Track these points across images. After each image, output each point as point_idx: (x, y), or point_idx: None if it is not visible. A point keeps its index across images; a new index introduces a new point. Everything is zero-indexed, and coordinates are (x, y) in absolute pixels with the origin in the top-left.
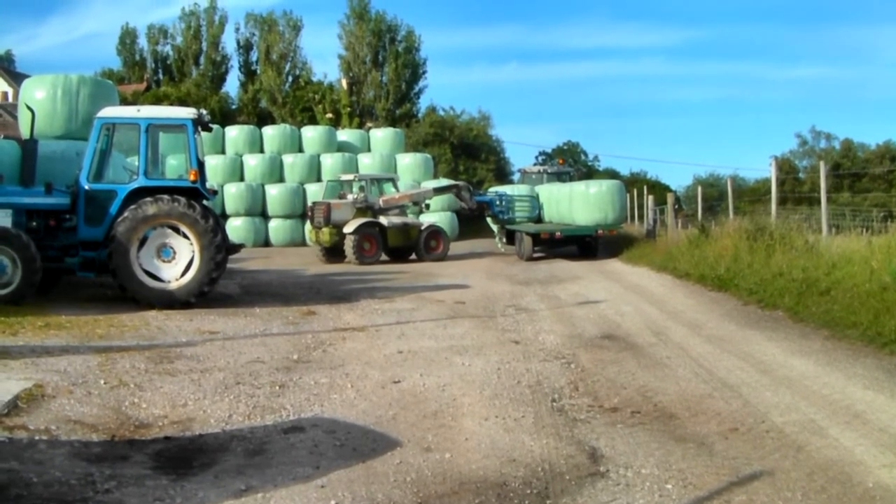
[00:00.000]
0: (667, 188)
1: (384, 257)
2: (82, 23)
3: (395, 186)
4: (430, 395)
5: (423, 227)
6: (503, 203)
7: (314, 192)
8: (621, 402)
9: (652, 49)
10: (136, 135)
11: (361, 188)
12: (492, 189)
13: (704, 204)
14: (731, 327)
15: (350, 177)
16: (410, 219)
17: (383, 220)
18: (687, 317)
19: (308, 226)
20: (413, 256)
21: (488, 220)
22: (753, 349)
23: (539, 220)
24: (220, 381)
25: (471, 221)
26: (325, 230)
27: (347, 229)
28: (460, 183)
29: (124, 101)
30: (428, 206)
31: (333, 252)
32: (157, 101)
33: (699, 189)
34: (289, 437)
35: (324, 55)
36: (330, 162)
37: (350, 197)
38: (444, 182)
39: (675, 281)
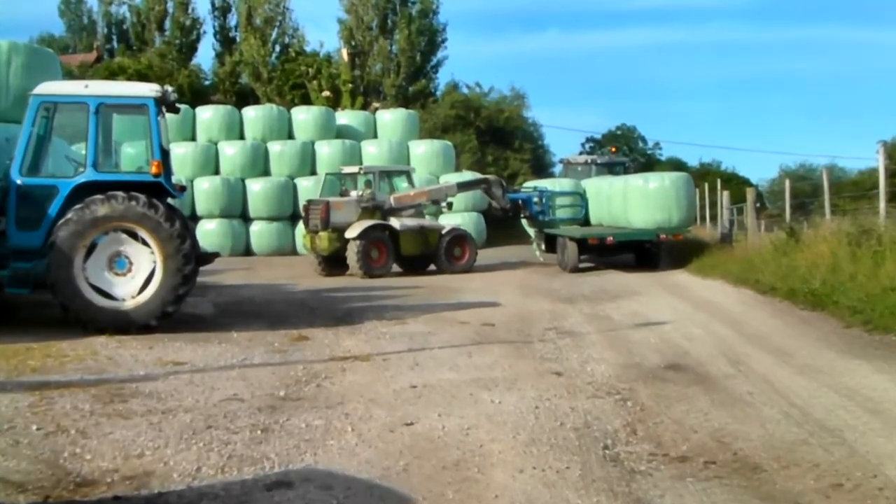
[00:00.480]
0: (746, 182)
1: (396, 268)
2: None
3: (410, 181)
4: (450, 440)
5: (444, 232)
6: (543, 201)
7: (307, 188)
8: (691, 449)
9: (726, 9)
10: (83, 117)
11: (368, 183)
12: (528, 184)
13: (794, 201)
14: (830, 355)
15: (354, 169)
16: (428, 221)
17: (395, 222)
18: (773, 342)
19: (301, 230)
20: (432, 267)
21: (523, 222)
22: (859, 383)
23: (586, 222)
24: (187, 425)
25: (501, 224)
26: (324, 235)
27: (351, 234)
28: (490, 177)
29: (69, 75)
30: (450, 206)
31: (333, 262)
32: (111, 75)
33: (787, 183)
34: (273, 494)
35: (319, 20)
36: (327, 151)
37: (354, 194)
38: (469, 176)
39: (757, 297)
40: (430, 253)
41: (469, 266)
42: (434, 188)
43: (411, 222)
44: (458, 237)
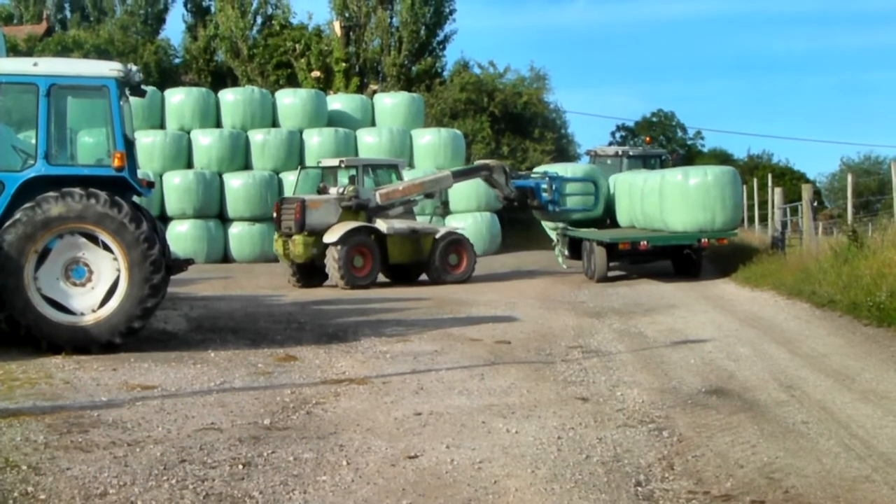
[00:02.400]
0: (801, 177)
1: (381, 278)
2: None
3: (399, 177)
4: (460, 475)
5: (438, 236)
6: (553, 188)
7: (294, 184)
8: (736, 486)
9: None
10: (32, 100)
11: (352, 178)
12: (538, 169)
13: (857, 199)
14: None
15: (334, 162)
16: (420, 223)
17: (381, 224)
18: (832, 363)
19: (274, 233)
20: (423, 277)
21: (543, 222)
22: None
23: (608, 220)
24: (157, 459)
25: (519, 227)
26: (298, 239)
27: (330, 238)
28: (491, 162)
29: (14, 51)
30: (446, 207)
31: (310, 270)
32: (64, 50)
33: (849, 178)
34: None
35: None
36: (317, 141)
37: (333, 191)
38: (470, 164)
39: (813, 311)
40: (422, 260)
41: (467, 276)
42: (427, 179)
43: (401, 225)
44: (455, 242)
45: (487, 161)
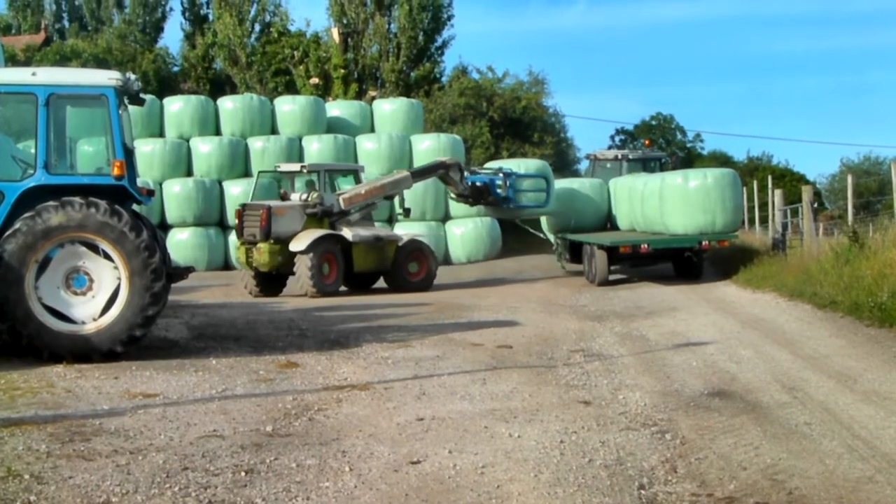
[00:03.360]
0: (801, 178)
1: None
2: None
3: (359, 181)
4: (463, 481)
5: (401, 243)
6: (508, 185)
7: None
8: (740, 489)
9: None
10: (31, 109)
11: (311, 184)
12: (490, 164)
13: (857, 200)
14: None
15: (295, 167)
16: (384, 230)
17: (347, 232)
18: (834, 364)
19: (234, 240)
20: (382, 283)
21: (543, 227)
22: None
23: (614, 226)
24: (160, 467)
25: (519, 231)
26: (263, 247)
27: (298, 246)
28: (447, 159)
29: (13, 60)
30: (407, 213)
31: (270, 280)
32: (63, 60)
33: (849, 179)
34: None
35: None
36: (316, 148)
37: (294, 197)
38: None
39: (815, 313)
40: (386, 268)
41: (427, 285)
42: (387, 181)
43: (366, 232)
44: (416, 250)
45: (444, 158)
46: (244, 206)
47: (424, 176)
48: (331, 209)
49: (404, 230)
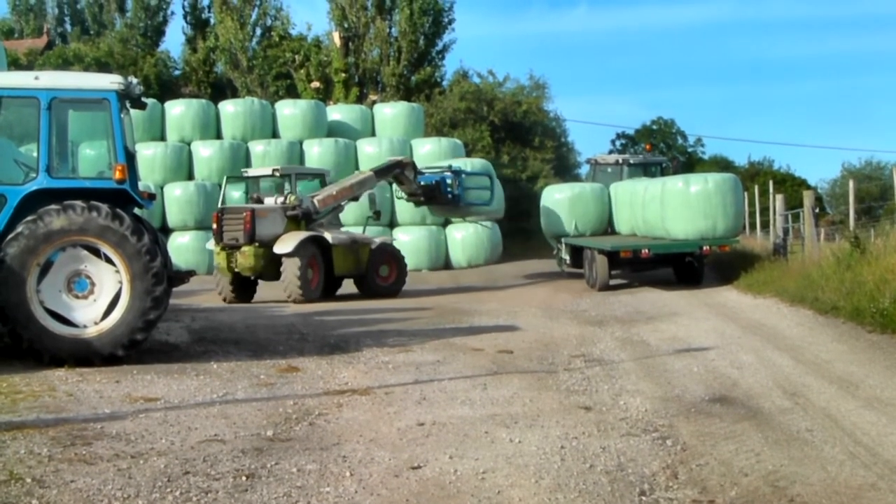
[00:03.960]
0: (802, 183)
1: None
2: None
3: (325, 185)
4: (463, 486)
5: (374, 246)
6: (458, 183)
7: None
8: (741, 495)
9: None
10: (33, 113)
11: (280, 188)
12: (439, 163)
13: (859, 205)
14: None
15: (266, 171)
16: (357, 233)
17: (327, 234)
18: (836, 370)
19: (212, 245)
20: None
21: (544, 233)
22: None
23: (608, 229)
24: (161, 471)
25: (519, 236)
26: (248, 251)
27: (283, 248)
28: (403, 158)
29: (15, 64)
30: (378, 215)
31: (245, 285)
32: (65, 64)
33: (851, 184)
34: None
35: None
36: (317, 152)
37: (269, 201)
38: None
39: (816, 318)
40: (360, 272)
41: (397, 290)
42: (354, 181)
43: (343, 235)
44: (388, 253)
45: (400, 157)
46: (223, 210)
47: (385, 174)
48: (310, 213)
49: (378, 235)
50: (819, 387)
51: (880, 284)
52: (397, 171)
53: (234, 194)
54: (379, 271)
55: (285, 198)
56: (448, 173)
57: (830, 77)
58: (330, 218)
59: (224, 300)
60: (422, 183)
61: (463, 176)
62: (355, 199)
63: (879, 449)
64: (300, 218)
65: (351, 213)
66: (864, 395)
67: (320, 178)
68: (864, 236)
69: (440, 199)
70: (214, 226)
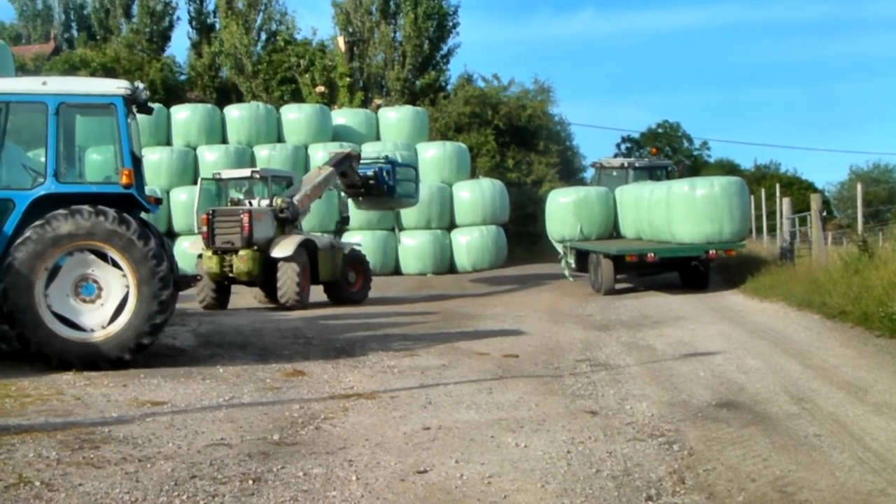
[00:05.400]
0: (809, 187)
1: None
2: None
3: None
4: (469, 490)
5: (346, 251)
6: (392, 175)
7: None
8: (749, 500)
9: None
10: (41, 118)
11: (250, 191)
12: (374, 153)
13: (867, 209)
14: None
15: (244, 173)
16: (336, 239)
17: (317, 238)
18: (844, 375)
19: (202, 248)
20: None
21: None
22: None
23: (614, 232)
24: (168, 475)
25: (525, 240)
26: (245, 254)
27: (281, 252)
28: (351, 150)
29: (22, 70)
30: (346, 221)
31: (222, 290)
32: (72, 69)
33: (858, 187)
34: None
35: (312, 3)
36: (322, 156)
37: (256, 203)
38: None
39: (824, 323)
40: (336, 278)
41: (363, 297)
42: (320, 179)
43: (325, 240)
44: (355, 260)
45: (348, 150)
46: (214, 212)
47: (340, 165)
48: (297, 216)
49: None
50: (827, 392)
51: (889, 289)
52: (347, 163)
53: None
54: (348, 277)
55: (271, 200)
56: (385, 164)
57: (837, 80)
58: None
59: (203, 306)
60: (361, 174)
61: (396, 167)
62: (319, 196)
63: (888, 454)
64: (290, 220)
65: (315, 219)
66: (872, 400)
67: (287, 180)
68: (872, 240)
69: (376, 190)
70: (204, 228)
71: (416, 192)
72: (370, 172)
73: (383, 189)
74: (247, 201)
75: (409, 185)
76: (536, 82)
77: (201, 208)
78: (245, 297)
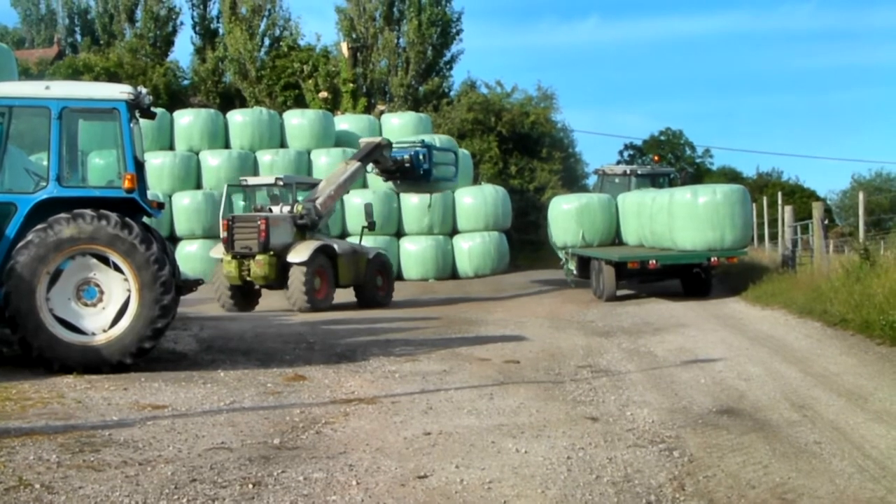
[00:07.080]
0: (812, 195)
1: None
2: None
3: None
4: (470, 495)
5: (370, 256)
6: (429, 158)
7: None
8: None
9: None
10: (44, 122)
11: (276, 198)
12: (412, 137)
13: (868, 217)
14: None
15: (268, 180)
16: (357, 244)
17: (334, 244)
18: (844, 382)
19: (220, 252)
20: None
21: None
22: None
23: (616, 239)
24: (168, 479)
25: (527, 246)
26: (262, 259)
27: (296, 258)
28: (380, 140)
29: (26, 74)
30: (372, 226)
31: (248, 294)
32: (75, 73)
33: (860, 195)
34: None
35: (316, 9)
36: (325, 161)
37: (278, 210)
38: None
39: (825, 330)
40: (359, 283)
41: (389, 301)
42: (345, 176)
43: (346, 245)
44: (381, 265)
45: (377, 139)
46: (234, 218)
47: (368, 158)
48: (317, 222)
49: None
50: (827, 399)
51: (890, 297)
52: (377, 152)
53: (242, 203)
54: (376, 282)
55: (292, 206)
56: (420, 148)
57: (840, 88)
58: (321, 225)
59: (224, 308)
60: (396, 158)
61: (433, 150)
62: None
63: (888, 462)
64: (310, 226)
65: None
66: (873, 408)
67: (313, 187)
68: (873, 248)
69: (412, 174)
70: (223, 234)
71: (455, 175)
72: (406, 156)
73: (418, 172)
74: (269, 208)
75: (447, 168)
76: (540, 89)
77: (225, 214)
78: (268, 302)
